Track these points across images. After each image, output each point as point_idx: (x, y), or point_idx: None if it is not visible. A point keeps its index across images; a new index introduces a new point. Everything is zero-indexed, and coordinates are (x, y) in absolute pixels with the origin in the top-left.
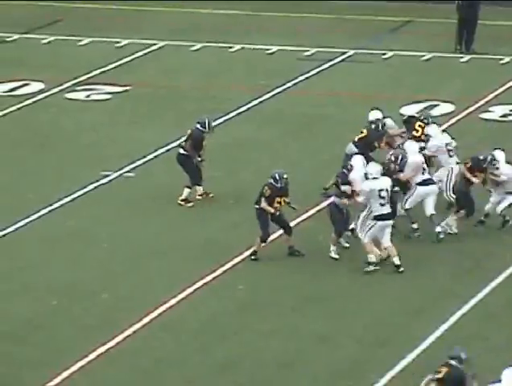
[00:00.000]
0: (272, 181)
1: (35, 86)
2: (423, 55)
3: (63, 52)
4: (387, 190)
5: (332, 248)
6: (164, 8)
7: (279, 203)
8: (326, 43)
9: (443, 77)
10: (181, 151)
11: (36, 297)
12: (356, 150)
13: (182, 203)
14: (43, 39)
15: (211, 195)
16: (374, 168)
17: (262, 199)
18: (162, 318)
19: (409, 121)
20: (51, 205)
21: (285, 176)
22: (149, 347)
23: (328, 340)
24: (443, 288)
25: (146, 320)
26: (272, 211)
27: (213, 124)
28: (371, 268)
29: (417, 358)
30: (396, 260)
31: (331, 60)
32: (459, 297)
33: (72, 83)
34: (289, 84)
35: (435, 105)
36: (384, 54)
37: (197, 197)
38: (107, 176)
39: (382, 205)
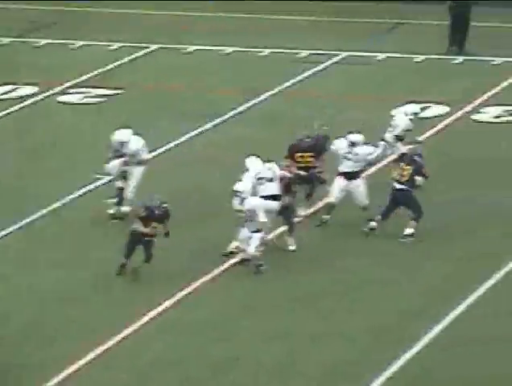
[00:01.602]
0: (146, 205)
1: (28, 89)
2: (416, 57)
3: (56, 55)
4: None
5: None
6: (156, 12)
7: (155, 227)
8: (319, 45)
9: (436, 79)
10: None
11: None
12: None
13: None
14: (35, 42)
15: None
16: (266, 172)
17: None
18: (159, 318)
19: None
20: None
21: (165, 205)
22: (146, 348)
23: (322, 340)
24: (436, 289)
25: (143, 321)
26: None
27: None
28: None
29: (411, 359)
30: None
31: (324, 62)
32: (452, 299)
33: (65, 86)
34: (282, 87)
35: (428, 107)
36: (377, 56)
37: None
38: (99, 179)
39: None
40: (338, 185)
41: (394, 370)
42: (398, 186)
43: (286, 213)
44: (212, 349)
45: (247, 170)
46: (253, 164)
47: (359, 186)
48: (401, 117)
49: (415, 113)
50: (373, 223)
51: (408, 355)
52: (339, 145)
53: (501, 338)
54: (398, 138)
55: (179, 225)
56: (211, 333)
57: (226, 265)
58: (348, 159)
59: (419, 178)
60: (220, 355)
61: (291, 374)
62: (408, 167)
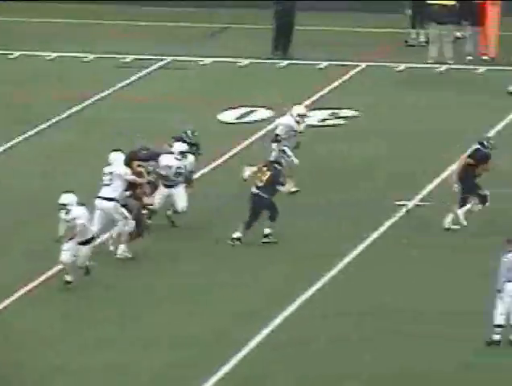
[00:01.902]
0: None
1: None
2: (240, 61)
3: None
4: (110, 173)
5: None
6: None
7: None
8: (143, 50)
9: (261, 83)
10: None
11: None
12: None
13: None
14: None
15: None
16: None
17: None
18: None
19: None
20: None
21: None
22: None
23: (155, 345)
24: (268, 291)
25: None
26: None
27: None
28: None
29: (243, 360)
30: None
31: (148, 67)
32: (282, 301)
33: None
34: (108, 92)
35: (253, 111)
36: (201, 60)
37: None
38: None
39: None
40: (160, 192)
41: (226, 371)
42: (254, 190)
43: (138, 218)
44: (38, 358)
45: (109, 164)
46: (115, 159)
47: (179, 192)
48: (286, 118)
49: (301, 115)
50: (237, 234)
51: (240, 356)
52: (170, 161)
53: (329, 339)
54: (277, 139)
55: (5, 231)
56: (36, 340)
57: (55, 270)
58: (179, 175)
59: (282, 188)
60: (45, 364)
61: (120, 379)
62: (268, 173)
